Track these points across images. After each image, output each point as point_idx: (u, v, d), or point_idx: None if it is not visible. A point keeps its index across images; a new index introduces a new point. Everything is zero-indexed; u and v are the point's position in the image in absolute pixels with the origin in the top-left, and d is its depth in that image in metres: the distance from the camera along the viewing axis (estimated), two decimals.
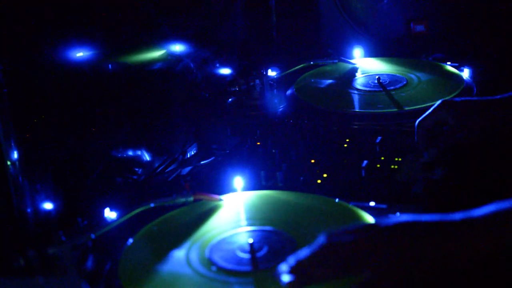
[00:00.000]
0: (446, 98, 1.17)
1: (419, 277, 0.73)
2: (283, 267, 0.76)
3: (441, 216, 0.77)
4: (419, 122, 1.16)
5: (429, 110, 1.16)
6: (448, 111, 1.13)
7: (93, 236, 0.95)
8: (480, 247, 0.72)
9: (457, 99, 1.16)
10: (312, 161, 1.23)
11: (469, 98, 1.17)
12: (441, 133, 1.15)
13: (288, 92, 1.56)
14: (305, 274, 0.75)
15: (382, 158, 1.21)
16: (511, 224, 0.73)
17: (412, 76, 1.55)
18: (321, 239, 0.77)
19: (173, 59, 1.47)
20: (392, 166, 1.18)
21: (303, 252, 0.76)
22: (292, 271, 0.75)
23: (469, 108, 1.14)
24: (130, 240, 0.98)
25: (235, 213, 1.04)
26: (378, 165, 1.18)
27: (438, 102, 1.16)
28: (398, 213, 1.00)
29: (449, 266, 0.73)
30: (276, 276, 0.76)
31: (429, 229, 0.75)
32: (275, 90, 1.56)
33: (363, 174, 1.16)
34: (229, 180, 1.13)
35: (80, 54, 1.17)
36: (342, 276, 0.74)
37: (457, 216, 0.76)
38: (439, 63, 1.64)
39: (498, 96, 1.14)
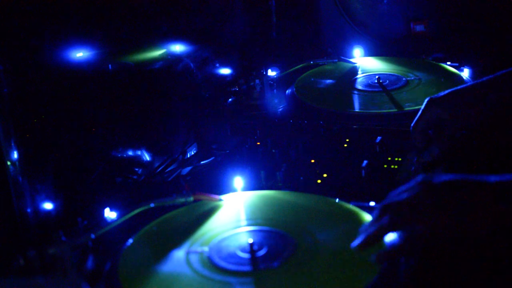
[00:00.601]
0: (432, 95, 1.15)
1: (469, 234, 0.79)
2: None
3: (481, 177, 0.81)
4: (413, 126, 1.15)
5: (419, 112, 1.14)
6: (438, 107, 1.12)
7: (93, 236, 0.95)
8: None
9: (442, 93, 1.14)
10: (312, 161, 1.23)
11: (455, 88, 1.15)
12: (440, 132, 1.15)
13: (288, 92, 1.56)
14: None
15: (382, 158, 1.21)
16: None
17: (412, 76, 1.55)
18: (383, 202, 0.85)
19: (173, 59, 1.47)
20: (392, 166, 1.18)
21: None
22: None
23: (456, 98, 1.12)
24: (130, 240, 0.98)
25: (235, 213, 1.04)
26: (378, 165, 1.18)
27: (425, 101, 1.14)
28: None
29: (498, 224, 0.78)
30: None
31: (478, 187, 0.79)
32: (275, 90, 1.56)
33: (363, 174, 1.16)
34: (229, 180, 1.13)
35: (80, 54, 1.17)
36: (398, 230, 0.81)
37: (492, 178, 0.80)
38: (439, 63, 1.64)
39: (484, 79, 1.13)
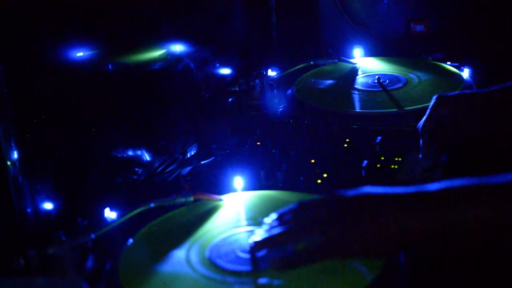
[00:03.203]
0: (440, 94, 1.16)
1: (368, 243, 0.79)
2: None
3: (396, 188, 0.81)
4: (422, 127, 1.15)
5: (427, 111, 1.14)
6: (445, 105, 1.12)
7: (93, 236, 0.95)
8: (429, 222, 0.76)
9: (451, 93, 1.15)
10: (312, 161, 1.23)
11: (464, 91, 1.16)
12: (441, 133, 1.15)
13: (288, 92, 1.56)
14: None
15: (382, 158, 1.21)
16: (460, 202, 0.76)
17: (412, 76, 1.55)
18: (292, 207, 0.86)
19: (173, 59, 1.47)
20: (392, 166, 1.18)
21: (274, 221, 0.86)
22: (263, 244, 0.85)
23: (464, 101, 1.12)
24: (130, 240, 0.98)
25: (235, 213, 1.04)
26: (378, 165, 1.18)
27: (433, 98, 1.14)
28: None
29: (398, 236, 0.77)
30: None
31: (383, 200, 0.80)
32: (275, 90, 1.56)
33: (363, 174, 1.16)
34: (229, 180, 1.13)
35: (80, 54, 1.17)
36: (302, 240, 0.81)
37: (410, 189, 0.80)
38: (439, 63, 1.64)
39: (494, 87, 1.13)
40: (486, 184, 0.77)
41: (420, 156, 1.16)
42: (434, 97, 1.14)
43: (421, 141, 1.15)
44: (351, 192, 0.83)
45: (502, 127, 1.10)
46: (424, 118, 1.15)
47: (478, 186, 0.77)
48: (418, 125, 1.16)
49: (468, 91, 1.16)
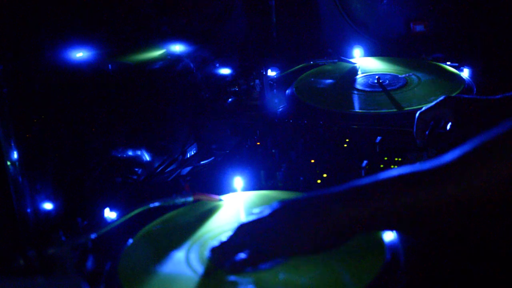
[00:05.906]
0: (450, 94, 1.19)
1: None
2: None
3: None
4: (420, 113, 1.19)
5: (432, 104, 1.18)
6: (450, 107, 1.15)
7: (93, 236, 0.95)
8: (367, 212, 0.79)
9: (459, 96, 1.18)
10: (312, 161, 1.23)
11: (472, 96, 1.19)
12: (440, 133, 1.16)
13: (288, 92, 1.56)
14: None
15: (382, 158, 1.21)
16: (476, 169, 0.74)
17: (412, 76, 1.55)
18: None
19: (173, 59, 1.47)
20: (392, 166, 1.18)
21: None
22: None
23: (470, 106, 1.15)
24: (130, 240, 0.98)
25: (235, 213, 1.04)
26: (378, 165, 1.18)
27: (442, 97, 1.17)
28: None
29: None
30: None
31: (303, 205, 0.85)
32: (275, 90, 1.56)
33: (363, 174, 1.16)
34: (229, 180, 1.13)
35: (80, 54, 1.17)
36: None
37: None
38: (439, 63, 1.64)
39: (499, 96, 1.14)
40: (423, 170, 0.77)
41: (415, 154, 1.18)
42: (443, 96, 1.17)
43: (414, 126, 1.19)
44: (281, 203, 0.87)
45: None
46: (425, 107, 1.19)
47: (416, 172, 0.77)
48: (418, 111, 1.19)
49: (472, 96, 1.18)
